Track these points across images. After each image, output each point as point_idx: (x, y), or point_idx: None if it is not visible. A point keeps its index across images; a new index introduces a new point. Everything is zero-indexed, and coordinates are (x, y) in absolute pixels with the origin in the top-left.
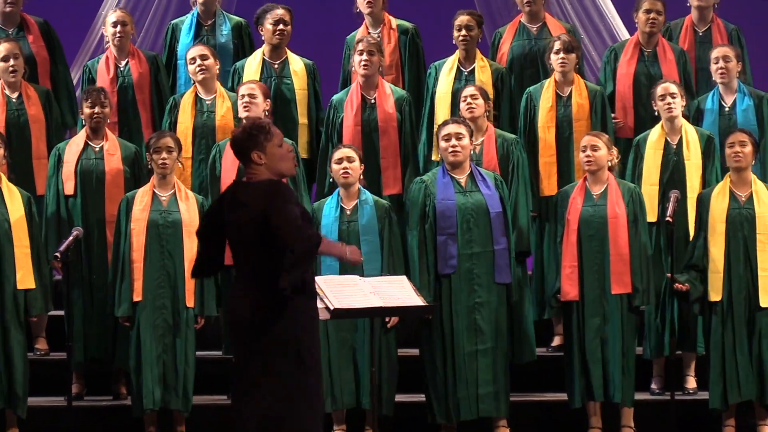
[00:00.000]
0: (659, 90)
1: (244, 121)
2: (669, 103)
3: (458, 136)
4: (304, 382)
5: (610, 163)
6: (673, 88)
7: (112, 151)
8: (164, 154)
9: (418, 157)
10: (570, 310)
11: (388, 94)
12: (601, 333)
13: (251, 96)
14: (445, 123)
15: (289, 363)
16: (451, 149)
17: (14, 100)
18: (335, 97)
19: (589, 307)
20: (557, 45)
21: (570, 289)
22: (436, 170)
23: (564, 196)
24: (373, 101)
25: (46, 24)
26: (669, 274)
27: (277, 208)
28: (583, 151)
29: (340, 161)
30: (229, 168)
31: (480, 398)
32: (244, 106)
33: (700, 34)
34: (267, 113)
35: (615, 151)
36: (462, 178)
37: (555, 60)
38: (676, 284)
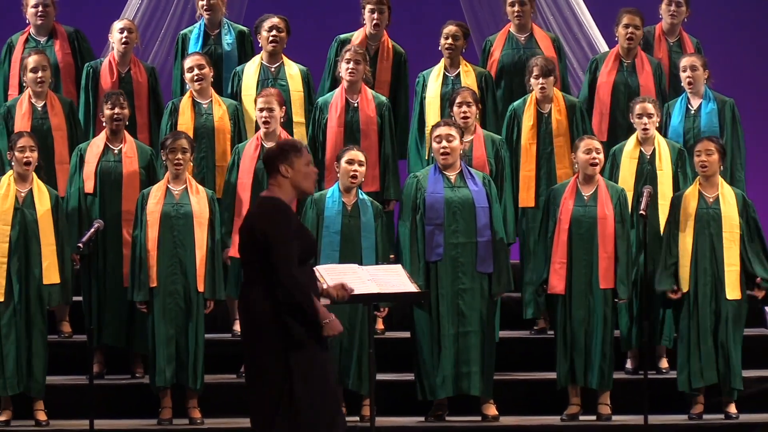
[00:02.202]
0: (637, 108)
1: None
2: (645, 123)
3: (449, 138)
4: (287, 390)
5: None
6: (650, 108)
7: (130, 153)
8: (179, 155)
9: (396, 158)
10: (557, 302)
11: (370, 99)
12: (586, 324)
13: (270, 110)
14: (437, 125)
15: (279, 364)
16: (442, 150)
17: (39, 109)
18: (321, 99)
19: (576, 300)
20: (535, 71)
21: (557, 283)
22: (430, 167)
23: (555, 195)
24: (356, 105)
25: (76, 33)
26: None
27: (275, 241)
28: (587, 154)
29: (351, 162)
30: (246, 169)
31: (459, 377)
32: (264, 122)
33: (671, 43)
34: (283, 119)
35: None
36: (452, 175)
37: (535, 84)
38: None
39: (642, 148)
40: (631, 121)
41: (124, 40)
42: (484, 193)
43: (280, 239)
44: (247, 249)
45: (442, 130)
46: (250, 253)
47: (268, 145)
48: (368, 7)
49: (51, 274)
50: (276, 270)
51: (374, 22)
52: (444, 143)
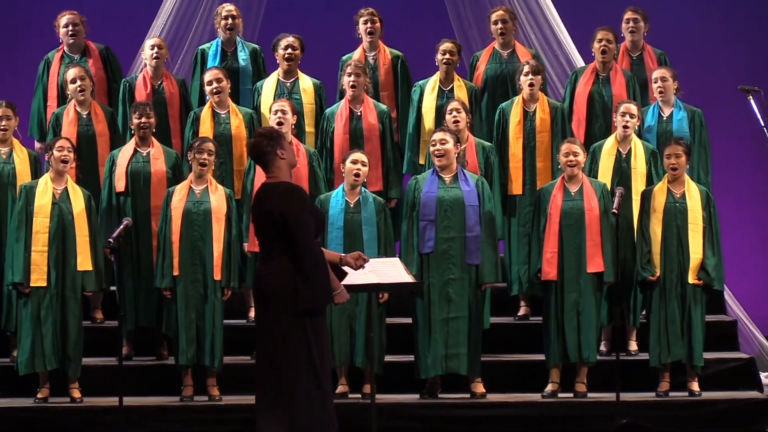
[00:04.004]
0: (622, 108)
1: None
2: (627, 121)
3: (442, 142)
4: (306, 350)
5: (582, 165)
6: (634, 109)
7: (157, 156)
8: (205, 155)
9: (398, 160)
10: (549, 287)
11: (372, 108)
12: (577, 306)
13: (283, 112)
14: (434, 131)
15: (297, 336)
16: (436, 152)
17: (84, 117)
18: (328, 110)
19: (567, 284)
20: (526, 68)
21: (550, 270)
22: (430, 170)
23: (545, 193)
24: (359, 114)
25: (106, 50)
26: (651, 276)
27: (294, 218)
28: (565, 156)
29: (354, 162)
30: (262, 172)
31: (448, 357)
32: (278, 122)
33: (634, 57)
34: (294, 126)
35: (585, 154)
36: (447, 177)
37: (524, 81)
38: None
39: (619, 147)
40: (614, 120)
41: (155, 55)
42: (476, 193)
43: (298, 216)
44: (263, 230)
45: (438, 136)
46: (267, 234)
47: None
48: (361, 20)
49: (85, 262)
50: (296, 243)
51: (368, 30)
52: (438, 146)
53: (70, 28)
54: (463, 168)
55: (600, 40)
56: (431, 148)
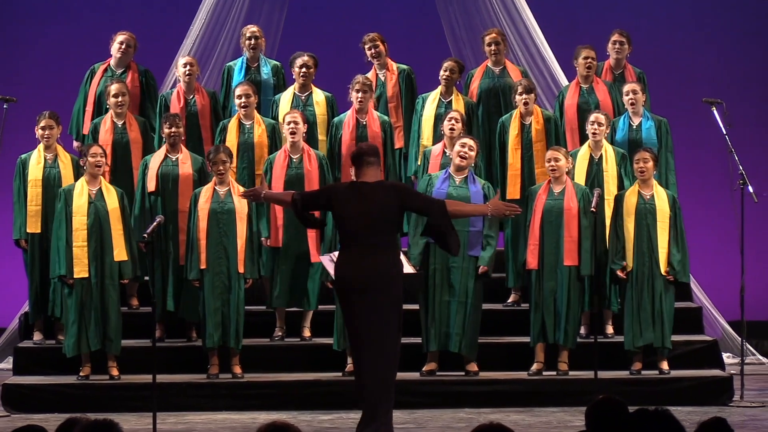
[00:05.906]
0: (592, 117)
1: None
2: (595, 129)
3: (471, 149)
4: (399, 326)
5: (566, 169)
6: (602, 119)
7: (185, 161)
8: (220, 166)
9: (396, 164)
10: (531, 276)
11: (375, 118)
12: (555, 293)
13: (295, 123)
14: (464, 136)
15: (396, 314)
16: (462, 154)
17: (119, 127)
18: (336, 119)
19: (547, 274)
20: (519, 88)
21: (532, 260)
22: (443, 170)
23: (532, 193)
24: (364, 123)
25: (146, 72)
26: (621, 271)
27: (412, 195)
28: (548, 162)
29: None
30: (278, 176)
31: (449, 336)
32: (291, 131)
33: (616, 74)
34: (305, 135)
35: (570, 159)
36: (458, 178)
37: (519, 99)
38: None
39: (592, 153)
40: (587, 128)
41: (187, 72)
42: (482, 194)
43: (415, 192)
44: (383, 219)
45: (467, 141)
46: (391, 224)
47: (294, 155)
48: (366, 47)
49: (121, 253)
50: (424, 205)
51: (373, 54)
52: (467, 150)
53: (123, 46)
54: (473, 172)
55: (586, 58)
56: (458, 148)
